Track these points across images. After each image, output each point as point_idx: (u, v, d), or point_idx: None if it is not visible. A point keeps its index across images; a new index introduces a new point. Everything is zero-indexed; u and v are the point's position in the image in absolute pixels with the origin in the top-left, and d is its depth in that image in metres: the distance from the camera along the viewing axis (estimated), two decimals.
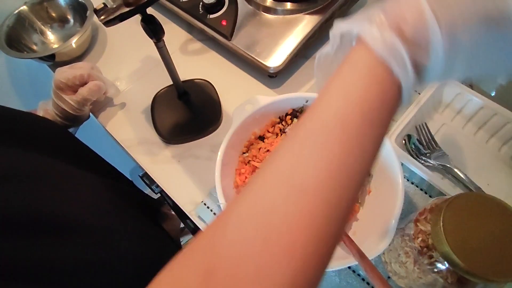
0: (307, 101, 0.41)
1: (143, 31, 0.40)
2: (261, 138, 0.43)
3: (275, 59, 0.51)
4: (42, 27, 0.62)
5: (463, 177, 0.43)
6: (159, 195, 0.69)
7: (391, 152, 0.36)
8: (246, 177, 0.40)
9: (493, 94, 0.48)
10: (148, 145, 0.52)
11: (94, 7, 0.37)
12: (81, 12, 0.61)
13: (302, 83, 0.56)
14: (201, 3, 0.55)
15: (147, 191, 0.65)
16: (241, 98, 0.43)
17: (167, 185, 0.48)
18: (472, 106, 0.47)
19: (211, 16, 0.54)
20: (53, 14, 0.63)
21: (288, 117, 0.42)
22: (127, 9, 0.31)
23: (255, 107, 0.40)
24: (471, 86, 0.50)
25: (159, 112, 0.53)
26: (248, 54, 0.52)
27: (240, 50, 0.53)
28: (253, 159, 0.40)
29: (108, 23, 0.37)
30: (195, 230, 0.66)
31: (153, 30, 0.38)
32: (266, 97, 0.41)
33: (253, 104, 0.40)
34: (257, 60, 0.52)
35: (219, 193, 0.35)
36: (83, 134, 0.55)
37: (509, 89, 0.46)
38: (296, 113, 0.42)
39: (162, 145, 0.51)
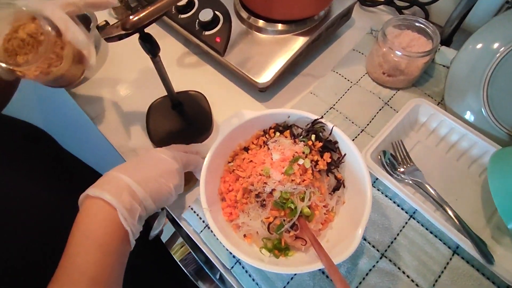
0: (289, 116, 0.45)
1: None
2: (246, 149, 0.46)
3: (264, 75, 0.55)
4: None
5: (433, 193, 0.46)
6: None
7: (362, 167, 0.40)
8: (230, 185, 0.43)
9: None
10: (141, 151, 0.55)
11: (97, 23, 0.41)
12: (85, 24, 0.65)
13: (289, 97, 0.59)
14: (197, 20, 0.59)
15: None
16: (231, 110, 0.46)
17: None
18: (445, 127, 0.51)
19: (206, 32, 0.58)
20: None
21: (272, 130, 0.46)
22: (123, 32, 0.35)
23: (241, 120, 0.44)
24: (444, 107, 0.54)
25: (153, 121, 0.56)
26: (240, 70, 0.56)
27: (232, 66, 0.57)
28: (237, 168, 0.44)
29: (108, 40, 0.41)
30: (187, 235, 0.68)
31: (149, 48, 0.42)
32: (251, 112, 0.44)
33: (239, 118, 0.44)
34: (247, 76, 0.55)
35: (202, 198, 0.39)
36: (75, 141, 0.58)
37: (480, 115, 0.49)
38: (279, 127, 0.46)
39: None
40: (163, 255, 0.62)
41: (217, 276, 0.72)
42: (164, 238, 0.63)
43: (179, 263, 0.62)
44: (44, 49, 0.40)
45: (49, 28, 0.40)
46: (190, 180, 0.50)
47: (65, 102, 0.66)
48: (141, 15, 0.34)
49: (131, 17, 0.33)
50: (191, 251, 0.60)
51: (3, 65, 0.40)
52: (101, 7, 0.41)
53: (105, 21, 0.40)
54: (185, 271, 0.63)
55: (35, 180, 0.44)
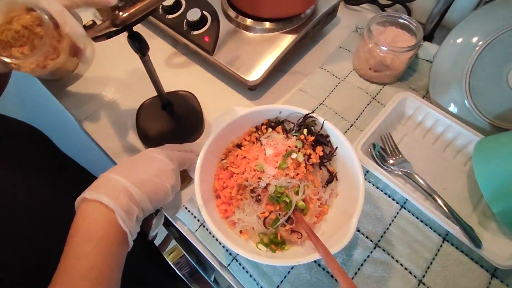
0: (280, 112, 0.45)
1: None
2: (239, 146, 0.46)
3: (254, 74, 0.55)
4: None
5: (422, 183, 0.48)
6: None
7: (354, 159, 0.40)
8: (224, 182, 0.43)
9: None
10: (132, 153, 0.54)
11: (84, 23, 0.40)
12: None
13: (279, 95, 0.60)
14: (185, 20, 0.59)
15: None
16: (222, 109, 0.46)
17: None
18: (431, 119, 0.53)
19: (195, 32, 0.58)
20: None
21: (264, 126, 0.46)
22: (113, 29, 0.34)
23: (233, 117, 0.44)
24: (429, 100, 0.56)
25: (144, 121, 0.56)
26: (229, 69, 0.56)
27: (222, 65, 0.57)
28: (231, 165, 0.44)
29: (96, 39, 0.40)
30: (180, 238, 0.68)
31: (139, 46, 0.41)
32: (243, 108, 0.44)
33: (231, 115, 0.44)
34: (237, 74, 0.56)
35: (197, 196, 0.38)
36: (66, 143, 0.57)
37: (463, 106, 0.51)
38: (271, 123, 0.46)
39: None
40: (157, 256, 0.61)
41: (212, 278, 0.72)
42: (157, 241, 0.63)
43: (173, 266, 0.61)
44: (45, 42, 0.39)
45: (48, 20, 0.39)
46: (185, 178, 0.49)
47: (52, 103, 0.65)
48: (131, 11, 0.33)
49: (121, 13, 0.33)
50: (185, 254, 0.60)
51: None
52: (100, 4, 0.40)
53: (92, 20, 0.40)
54: (179, 274, 0.62)
55: (32, 180, 0.43)
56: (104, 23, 0.35)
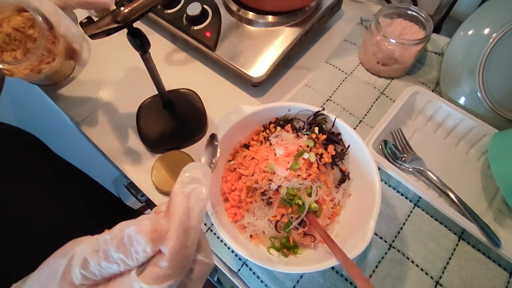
0: (289, 110, 0.43)
1: (128, 42, 0.41)
2: (246, 146, 0.44)
3: (258, 69, 0.53)
4: None
5: (435, 179, 0.46)
6: (144, 204, 0.69)
7: (368, 157, 0.39)
8: (232, 184, 0.41)
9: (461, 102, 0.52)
10: (133, 155, 0.52)
11: (80, 20, 0.38)
12: None
13: (284, 91, 0.58)
14: (185, 15, 0.56)
15: (132, 200, 0.65)
16: (225, 107, 0.44)
17: (153, 194, 0.49)
18: (442, 113, 0.51)
19: (195, 27, 0.56)
20: None
21: (272, 125, 0.44)
22: (114, 25, 0.32)
23: (240, 116, 0.42)
24: (440, 93, 0.54)
25: (144, 122, 0.53)
26: (232, 65, 0.54)
27: (224, 61, 0.54)
28: (239, 166, 0.42)
29: (94, 37, 0.38)
30: None
31: (140, 43, 0.39)
32: (250, 107, 0.42)
33: (238, 114, 0.42)
34: (240, 70, 0.54)
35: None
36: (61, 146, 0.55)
37: (476, 100, 0.50)
38: (279, 122, 0.44)
39: (148, 154, 0.52)
40: None
41: (215, 278, 0.70)
42: None
43: None
44: (39, 45, 0.36)
45: (41, 21, 0.36)
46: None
47: (47, 106, 0.62)
48: (133, 5, 0.31)
49: (122, 8, 0.31)
50: None
51: None
52: (96, 5, 0.37)
53: (88, 17, 0.37)
54: None
55: (26, 185, 0.41)
56: (104, 20, 0.33)
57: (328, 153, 0.41)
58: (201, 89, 0.56)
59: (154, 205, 0.49)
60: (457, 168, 0.49)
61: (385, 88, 0.56)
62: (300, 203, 0.37)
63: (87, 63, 0.55)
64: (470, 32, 0.50)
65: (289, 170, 0.38)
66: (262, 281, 0.42)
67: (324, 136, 0.42)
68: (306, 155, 0.39)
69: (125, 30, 0.39)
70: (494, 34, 0.47)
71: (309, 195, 0.38)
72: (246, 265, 0.43)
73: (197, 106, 0.55)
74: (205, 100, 0.55)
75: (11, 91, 0.78)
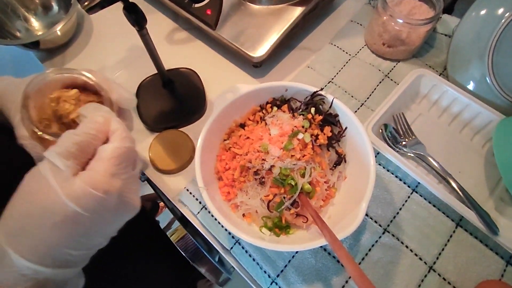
0: (286, 90, 0.43)
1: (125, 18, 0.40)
2: (242, 125, 0.44)
3: (259, 49, 0.52)
4: (26, 13, 0.62)
5: (436, 165, 0.45)
6: (145, 182, 0.70)
7: (365, 141, 0.38)
8: (226, 163, 0.41)
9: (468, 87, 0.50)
10: (132, 133, 0.52)
11: None
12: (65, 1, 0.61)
13: (285, 73, 0.57)
14: None
15: None
16: (225, 87, 0.44)
17: (152, 173, 0.49)
18: (448, 97, 0.49)
19: (196, 5, 0.55)
20: (37, 0, 0.62)
21: (268, 105, 0.43)
22: None
23: (236, 95, 0.41)
24: (447, 77, 0.52)
25: (144, 101, 0.53)
26: (233, 44, 0.53)
27: (225, 40, 0.54)
28: (234, 145, 0.41)
29: (90, 10, 0.37)
30: (182, 218, 0.67)
31: (135, 18, 0.39)
32: (246, 86, 0.42)
33: (234, 92, 0.41)
34: (241, 50, 0.53)
35: (198, 177, 0.37)
36: None
37: (484, 84, 0.47)
38: (276, 102, 0.43)
39: (146, 132, 0.52)
40: (159, 241, 0.61)
41: (216, 259, 0.71)
42: (162, 224, 0.62)
43: (177, 247, 0.61)
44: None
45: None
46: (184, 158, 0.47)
47: None
48: None
49: None
50: (188, 234, 0.59)
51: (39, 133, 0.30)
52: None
53: None
54: (184, 255, 0.62)
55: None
56: None
57: (324, 134, 0.41)
58: (202, 69, 0.56)
59: (152, 184, 0.50)
60: (460, 154, 0.47)
61: (390, 71, 0.54)
62: (293, 183, 0.37)
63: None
64: (482, 12, 0.48)
65: (282, 149, 0.38)
66: (254, 259, 0.42)
67: (321, 117, 0.41)
68: (300, 136, 0.39)
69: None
70: (507, 14, 0.44)
71: (303, 176, 0.38)
72: (239, 244, 0.43)
73: (197, 86, 0.54)
74: (205, 80, 0.55)
75: (19, 68, 0.79)
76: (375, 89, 0.53)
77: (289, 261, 0.42)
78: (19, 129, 0.31)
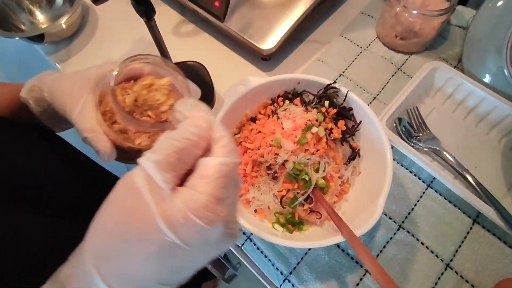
0: (298, 83, 0.41)
1: (135, 11, 0.39)
2: (253, 119, 0.43)
3: (268, 42, 0.51)
4: (30, 6, 0.61)
5: (452, 160, 0.44)
6: None
7: (381, 134, 0.37)
8: None
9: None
10: None
11: None
12: None
13: (295, 66, 0.55)
14: None
15: None
16: (234, 80, 0.42)
17: None
18: (463, 91, 0.48)
19: None
20: None
21: (280, 98, 0.42)
22: None
23: (247, 88, 0.40)
24: (462, 70, 0.51)
25: None
26: (242, 37, 0.52)
27: (233, 32, 0.52)
28: (245, 140, 0.40)
29: (97, 1, 0.36)
30: None
31: (144, 9, 0.37)
32: (258, 78, 0.41)
33: (245, 85, 0.40)
34: (250, 43, 0.51)
35: None
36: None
37: (501, 77, 0.46)
38: (288, 95, 0.42)
39: None
40: None
41: (222, 254, 0.71)
42: None
43: None
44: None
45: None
46: None
47: None
48: None
49: None
50: None
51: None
52: None
53: None
54: None
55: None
56: None
57: (338, 128, 0.39)
58: (210, 62, 0.54)
59: None
60: (476, 149, 0.46)
61: (403, 64, 0.53)
62: (307, 178, 0.36)
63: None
64: (499, 3, 0.46)
65: (296, 144, 0.37)
66: (266, 256, 0.41)
67: (335, 110, 0.40)
68: (314, 129, 0.38)
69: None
70: None
71: (317, 171, 0.37)
72: (250, 240, 0.42)
73: (205, 79, 0.53)
74: (213, 74, 0.54)
75: (24, 61, 0.78)
76: (387, 82, 0.52)
77: (302, 258, 0.41)
78: (81, 122, 0.28)
